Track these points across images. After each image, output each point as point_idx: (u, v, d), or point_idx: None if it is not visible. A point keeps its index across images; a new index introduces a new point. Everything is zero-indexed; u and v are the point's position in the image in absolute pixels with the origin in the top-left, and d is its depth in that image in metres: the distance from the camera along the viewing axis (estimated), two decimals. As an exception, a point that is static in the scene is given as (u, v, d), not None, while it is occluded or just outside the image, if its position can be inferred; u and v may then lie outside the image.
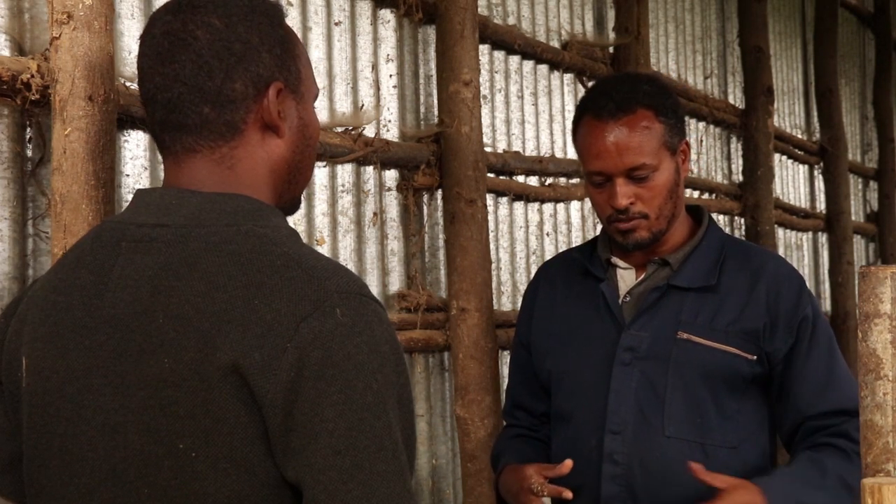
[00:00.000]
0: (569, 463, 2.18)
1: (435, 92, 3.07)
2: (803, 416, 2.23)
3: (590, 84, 3.67)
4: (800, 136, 5.86)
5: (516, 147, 3.46)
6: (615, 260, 2.34)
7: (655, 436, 2.20)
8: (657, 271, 2.30)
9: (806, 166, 5.94)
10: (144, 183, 2.21)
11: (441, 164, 3.02)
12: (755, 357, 2.23)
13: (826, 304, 5.92)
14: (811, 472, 2.18)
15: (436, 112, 3.06)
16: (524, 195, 3.46)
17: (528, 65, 3.56)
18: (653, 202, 2.23)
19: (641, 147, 2.22)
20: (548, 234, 3.60)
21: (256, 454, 1.27)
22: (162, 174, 2.20)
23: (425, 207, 3.05)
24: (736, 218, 4.97)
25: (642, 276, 2.31)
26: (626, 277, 2.33)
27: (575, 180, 3.70)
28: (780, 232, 5.36)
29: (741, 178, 5.03)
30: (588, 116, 2.28)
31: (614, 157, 2.22)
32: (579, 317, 2.35)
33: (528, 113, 3.54)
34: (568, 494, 2.16)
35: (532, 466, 2.24)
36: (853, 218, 6.25)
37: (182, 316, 1.29)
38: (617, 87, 2.31)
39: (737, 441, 2.22)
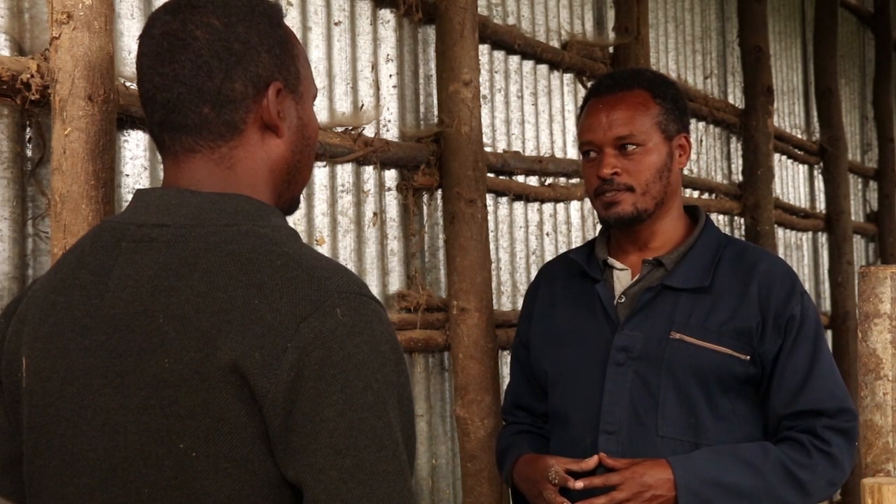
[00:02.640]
0: (595, 458, 2.20)
1: (435, 92, 3.07)
2: (779, 415, 2.24)
3: (589, 84, 3.67)
4: (800, 136, 5.86)
5: (516, 147, 3.46)
6: (612, 261, 2.36)
7: (649, 436, 2.20)
8: (651, 272, 2.31)
9: (806, 166, 5.93)
10: (144, 183, 2.21)
11: (441, 164, 3.02)
12: (748, 357, 2.23)
13: (826, 304, 5.91)
14: (747, 455, 2.19)
15: (436, 112, 3.06)
16: (524, 195, 3.46)
17: (528, 65, 3.56)
18: (639, 176, 2.27)
19: (632, 120, 2.28)
20: (548, 234, 3.60)
21: (257, 454, 1.27)
22: (162, 174, 2.20)
23: (425, 207, 3.05)
24: (736, 218, 4.97)
25: (637, 277, 2.32)
26: (622, 278, 2.34)
27: (575, 180, 3.70)
28: (779, 232, 5.35)
29: (741, 178, 5.03)
30: (591, 98, 2.36)
31: (604, 126, 2.29)
32: (575, 317, 2.37)
33: (528, 113, 3.54)
34: (577, 485, 2.18)
35: (554, 457, 2.26)
36: (853, 218, 6.24)
37: (182, 316, 1.29)
38: (621, 72, 2.46)
39: (731, 441, 2.22)
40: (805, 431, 2.21)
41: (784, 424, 2.23)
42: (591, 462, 2.20)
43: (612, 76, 2.39)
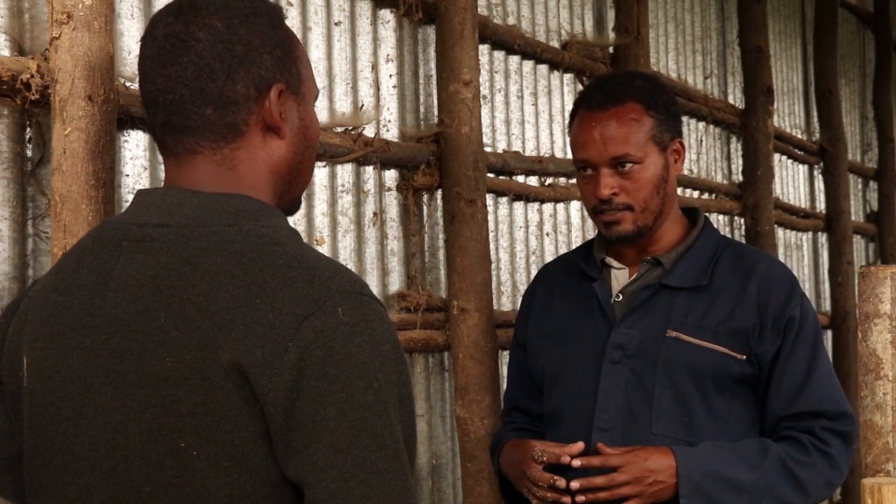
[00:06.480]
0: (580, 444, 2.20)
1: (435, 92, 3.07)
2: (777, 416, 2.24)
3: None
4: (800, 136, 5.86)
5: (516, 147, 3.46)
6: (609, 260, 2.36)
7: (643, 433, 2.21)
8: (649, 271, 2.32)
9: (806, 166, 5.93)
10: (144, 183, 2.21)
11: (441, 164, 3.02)
12: (744, 357, 2.23)
13: (826, 304, 5.91)
14: (748, 452, 2.19)
15: (436, 112, 3.06)
16: (524, 195, 3.46)
17: (528, 65, 3.56)
18: (637, 194, 2.25)
19: (627, 138, 2.24)
20: (548, 234, 3.60)
21: (258, 453, 1.27)
22: (162, 174, 2.19)
23: (425, 207, 3.05)
24: (736, 218, 4.97)
25: (634, 276, 2.32)
26: (620, 277, 2.35)
27: (575, 180, 3.70)
28: (779, 232, 5.35)
29: (741, 178, 5.03)
30: (581, 109, 2.32)
31: (599, 146, 2.24)
32: (572, 316, 2.37)
33: (528, 113, 3.54)
34: (566, 460, 2.18)
35: (536, 441, 2.27)
36: (853, 218, 6.24)
37: (184, 315, 1.29)
38: (610, 81, 2.36)
39: (726, 441, 2.22)
40: (804, 431, 2.22)
41: (783, 425, 2.24)
42: (576, 447, 2.20)
43: (602, 87, 2.32)
